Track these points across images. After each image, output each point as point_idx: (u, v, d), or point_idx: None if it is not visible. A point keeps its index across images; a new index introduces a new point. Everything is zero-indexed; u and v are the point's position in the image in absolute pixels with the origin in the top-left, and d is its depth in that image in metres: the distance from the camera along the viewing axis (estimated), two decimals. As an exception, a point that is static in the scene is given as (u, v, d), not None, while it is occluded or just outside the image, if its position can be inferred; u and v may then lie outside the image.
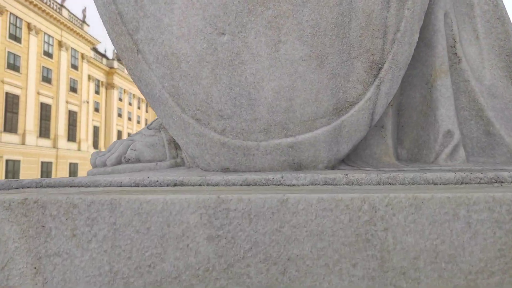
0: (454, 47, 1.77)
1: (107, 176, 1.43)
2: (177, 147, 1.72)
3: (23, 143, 26.54)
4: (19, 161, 26.38)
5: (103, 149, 38.13)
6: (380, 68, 1.51)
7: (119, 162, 1.65)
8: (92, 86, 35.37)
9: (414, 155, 1.76)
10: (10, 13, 25.26)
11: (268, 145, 1.43)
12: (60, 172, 30.26)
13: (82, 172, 32.86)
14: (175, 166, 1.68)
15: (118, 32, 1.55)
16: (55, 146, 29.72)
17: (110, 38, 1.61)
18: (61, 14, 29.84)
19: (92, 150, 35.19)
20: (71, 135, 31.91)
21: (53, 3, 29.38)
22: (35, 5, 27.15)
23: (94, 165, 1.69)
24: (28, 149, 26.84)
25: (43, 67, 28.31)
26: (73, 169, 32.12)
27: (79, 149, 32.66)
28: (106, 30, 1.61)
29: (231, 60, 1.43)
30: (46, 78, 28.76)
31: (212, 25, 1.44)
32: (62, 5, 30.45)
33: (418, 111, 1.77)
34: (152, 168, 1.64)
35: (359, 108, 1.48)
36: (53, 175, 29.43)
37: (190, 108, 1.47)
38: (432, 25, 1.75)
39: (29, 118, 26.98)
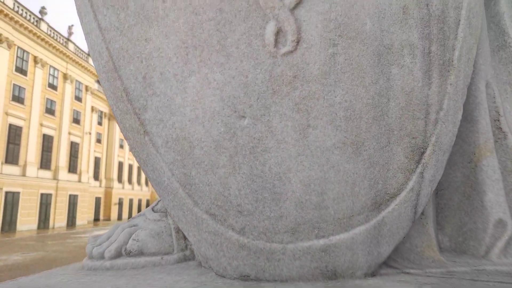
0: (498, 120, 1.58)
1: None
2: (186, 236, 1.50)
3: (23, 174, 26.30)
4: (18, 193, 26.03)
5: (103, 181, 37.75)
6: (422, 153, 1.31)
7: (119, 255, 1.43)
8: (95, 117, 35.54)
9: (458, 245, 1.52)
10: (18, 47, 25.71)
11: (296, 248, 1.20)
12: (60, 204, 29.82)
13: (82, 204, 32.41)
14: (184, 260, 1.45)
15: (123, 110, 1.37)
16: (55, 178, 29.43)
17: (114, 114, 1.43)
18: (67, 48, 30.38)
19: (92, 181, 34.90)
20: (72, 166, 31.68)
21: (60, 37, 29.97)
22: (43, 39, 27.68)
23: (91, 255, 1.46)
24: (28, 181, 26.56)
25: (47, 99, 28.51)
26: (72, 200, 31.69)
27: (79, 181, 32.34)
28: (110, 106, 1.43)
29: (252, 147, 1.24)
30: (50, 110, 28.90)
31: (231, 107, 1.25)
32: (68, 39, 31.07)
33: (460, 192, 1.56)
34: (156, 263, 1.41)
35: (400, 201, 1.27)
36: (52, 207, 29.01)
37: (204, 201, 1.26)
38: (473, 97, 1.57)
39: (30, 149, 26.87)
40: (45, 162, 28.47)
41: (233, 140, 1.24)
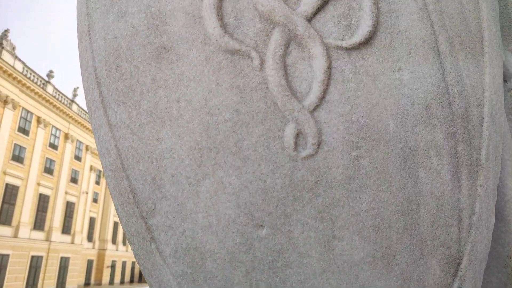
0: (531, 219, 1.47)
1: None
2: None
3: (15, 236, 25.46)
4: (8, 255, 24.98)
5: (97, 242, 36.50)
6: (458, 264, 1.19)
7: None
8: (93, 176, 35.34)
9: None
10: (23, 108, 26.28)
11: None
12: (50, 267, 28.51)
13: (73, 267, 30.98)
14: None
15: (128, 212, 1.26)
16: (48, 239, 28.48)
17: (119, 216, 1.32)
18: (71, 109, 31.09)
19: (85, 242, 33.75)
20: (66, 227, 30.82)
21: (64, 99, 30.80)
22: (48, 101, 28.41)
23: None
24: (19, 242, 25.63)
25: (46, 158, 28.54)
26: (64, 263, 30.36)
27: (72, 242, 31.27)
28: (114, 205, 1.32)
29: (271, 261, 1.11)
30: (48, 169, 28.79)
31: (248, 214, 1.14)
32: (73, 100, 31.93)
33: (498, 301, 1.40)
34: None
35: (439, 323, 1.12)
36: (41, 271, 27.69)
37: (216, 324, 1.10)
38: (502, 194, 1.48)
39: (25, 209, 26.31)
40: (39, 223, 27.72)
41: (250, 252, 1.12)
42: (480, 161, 1.32)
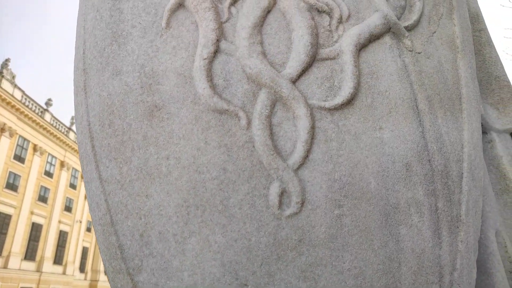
0: (514, 272, 1.49)
1: None
2: None
3: (5, 266, 24.80)
4: (-4, 287, 24.23)
5: (89, 273, 35.56)
6: (441, 323, 1.20)
7: None
8: (87, 205, 34.89)
9: None
10: (19, 136, 26.30)
11: None
12: (39, 300, 27.60)
13: (63, 300, 30.03)
14: None
15: (115, 268, 1.27)
16: (38, 270, 27.74)
17: (106, 272, 1.33)
18: (68, 136, 31.13)
19: (77, 273, 32.88)
20: (58, 257, 30.11)
21: (62, 127, 30.90)
22: (45, 129, 28.49)
23: None
24: (9, 274, 24.94)
25: (41, 186, 28.28)
26: (54, 295, 29.41)
27: (64, 273, 30.46)
28: (102, 260, 1.34)
29: (255, 321, 1.12)
30: (43, 198, 28.47)
31: (232, 273, 1.17)
32: (70, 128, 32.02)
33: None
34: None
35: None
36: (30, 303, 26.79)
37: None
38: (484, 246, 1.50)
39: (17, 239, 25.78)
40: (30, 253, 27.10)
41: (234, 312, 1.13)
42: (460, 216, 1.36)
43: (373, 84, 1.41)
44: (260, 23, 1.42)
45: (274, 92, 1.32)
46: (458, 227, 1.34)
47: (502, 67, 1.88)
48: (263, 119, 1.30)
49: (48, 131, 28.92)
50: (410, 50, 1.51)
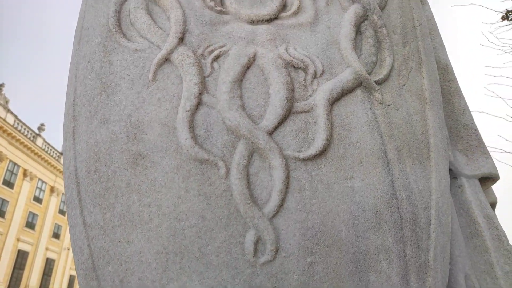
0: (483, 316, 1.55)
1: None
2: None
3: (-13, 296, 23.94)
4: (-24, 318, 23.29)
5: (75, 302, 34.37)
6: None
7: None
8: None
9: None
10: (10, 160, 26.06)
11: None
12: (21, 331, 26.50)
13: (47, 331, 28.86)
14: None
15: (95, 313, 1.31)
16: (22, 300, 26.79)
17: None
18: (59, 161, 30.88)
19: (63, 303, 31.76)
20: (44, 286, 29.17)
21: (53, 151, 30.73)
22: (36, 153, 28.29)
23: None
24: (-10, 304, 24.04)
25: (29, 212, 27.77)
26: (37, 327, 28.30)
27: (48, 303, 29.42)
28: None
29: None
30: (30, 224, 27.89)
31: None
32: (61, 153, 31.79)
33: None
34: None
35: None
36: (11, 336, 25.70)
37: None
38: (454, 291, 1.57)
39: (1, 267, 25.03)
40: (14, 282, 26.24)
41: None
42: (428, 262, 1.43)
43: (345, 136, 1.51)
44: (240, 78, 1.53)
45: (251, 143, 1.41)
46: (426, 273, 1.40)
47: (470, 115, 2.01)
48: (241, 169, 1.38)
49: (39, 156, 28.71)
50: (380, 103, 1.63)
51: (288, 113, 1.48)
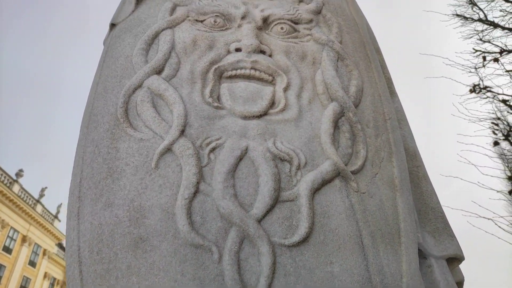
0: None
1: None
2: None
3: None
4: None
5: None
6: None
7: None
8: (46, 285, 32.21)
9: None
10: (-18, 208, 25.06)
11: None
12: None
13: None
14: None
15: None
16: None
17: None
18: (35, 209, 29.84)
19: None
20: None
21: (29, 198, 29.77)
22: (11, 200, 27.33)
23: None
24: None
25: (-4, 263, 26.23)
26: None
27: None
28: None
29: None
30: (-4, 276, 26.20)
31: None
32: (38, 201, 30.84)
33: None
34: None
35: None
36: None
37: None
38: None
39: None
40: None
41: None
42: None
43: (325, 223, 1.70)
44: (234, 169, 1.73)
45: (242, 230, 1.58)
46: None
47: (437, 199, 2.24)
48: (232, 255, 1.53)
49: (14, 203, 27.72)
50: (356, 191, 1.84)
51: (275, 202, 1.67)
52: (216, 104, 1.96)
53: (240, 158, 1.77)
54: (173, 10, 2.34)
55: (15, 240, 28.19)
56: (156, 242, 1.57)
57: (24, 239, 29.02)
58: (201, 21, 2.27)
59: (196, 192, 1.66)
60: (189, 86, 2.00)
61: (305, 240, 1.62)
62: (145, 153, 1.79)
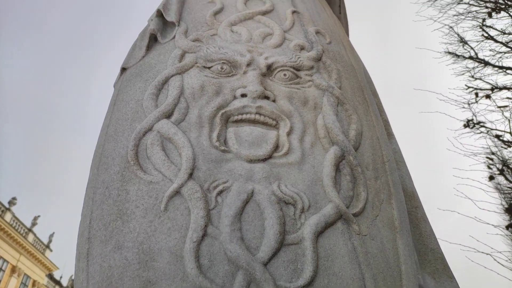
0: None
1: None
2: None
3: None
4: None
5: None
6: None
7: None
8: (33, 318, 31.03)
9: None
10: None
11: None
12: None
13: None
14: None
15: None
16: None
17: None
18: (26, 238, 29.24)
19: None
20: None
21: (21, 227, 29.23)
22: (2, 229, 26.82)
23: None
24: None
25: (-16, 295, 25.38)
26: None
27: None
28: None
29: None
30: (-18, 309, 25.28)
31: None
32: (30, 229, 30.27)
33: None
34: None
35: None
36: None
37: None
38: None
39: None
40: None
41: None
42: None
43: (329, 266, 1.75)
44: (240, 212, 1.79)
45: (249, 274, 1.62)
46: None
47: (436, 240, 2.30)
48: (239, 299, 1.57)
49: (5, 232, 27.18)
50: (358, 234, 1.90)
51: (280, 245, 1.73)
52: (223, 147, 2.04)
53: (247, 201, 1.83)
54: (182, 56, 2.47)
55: (3, 271, 27.43)
56: (164, 285, 1.61)
57: (13, 269, 28.24)
58: (209, 68, 2.39)
59: (204, 235, 1.72)
60: (197, 130, 2.09)
61: (310, 284, 1.66)
62: (155, 196, 1.86)
